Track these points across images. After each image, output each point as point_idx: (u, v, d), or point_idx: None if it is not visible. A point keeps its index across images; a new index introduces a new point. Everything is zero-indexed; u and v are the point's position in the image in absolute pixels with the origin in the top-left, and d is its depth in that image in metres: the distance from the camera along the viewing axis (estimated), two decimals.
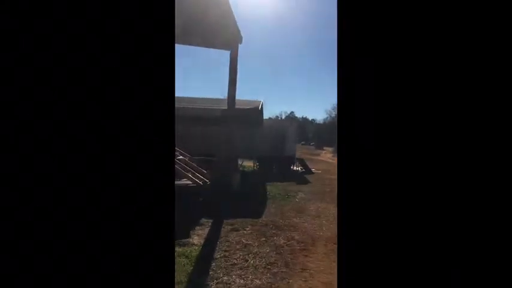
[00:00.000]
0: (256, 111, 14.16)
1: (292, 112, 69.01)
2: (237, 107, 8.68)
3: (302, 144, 48.29)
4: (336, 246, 4.29)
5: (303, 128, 62.63)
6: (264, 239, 4.56)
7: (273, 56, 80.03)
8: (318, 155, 33.81)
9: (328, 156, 31.69)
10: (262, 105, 13.34)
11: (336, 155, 31.56)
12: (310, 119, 70.54)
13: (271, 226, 5.23)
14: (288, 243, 4.46)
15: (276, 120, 16.95)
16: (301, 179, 12.12)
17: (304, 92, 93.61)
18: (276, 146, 14.46)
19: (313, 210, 6.66)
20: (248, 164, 15.97)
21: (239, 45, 7.98)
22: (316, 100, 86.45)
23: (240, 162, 15.31)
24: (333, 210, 6.68)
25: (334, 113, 52.57)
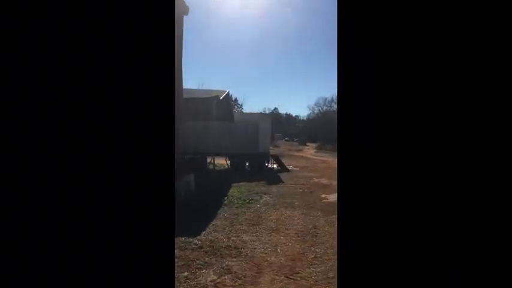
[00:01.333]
0: (209, 102, 12.36)
1: (275, 108, 67.76)
2: (192, 96, 7.22)
3: (286, 140, 47.43)
4: (288, 279, 2.94)
5: (286, 124, 61.77)
6: (185, 273, 3.12)
7: (258, 54, 78.37)
8: (301, 150, 32.71)
9: (310, 153, 30.56)
10: (228, 96, 11.76)
11: (317, 150, 31.78)
12: (293, 115, 69.55)
13: (206, 250, 3.80)
14: (218, 282, 3.03)
15: (247, 114, 15.47)
16: (273, 178, 10.74)
17: (288, 89, 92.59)
18: (248, 142, 13.04)
19: (273, 220, 5.26)
20: (221, 161, 14.53)
21: (184, 16, 6.47)
22: (299, 96, 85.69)
23: (209, 159, 13.89)
24: (298, 219, 5.31)
25: (317, 109, 52.14)
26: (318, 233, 4.57)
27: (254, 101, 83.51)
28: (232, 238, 4.26)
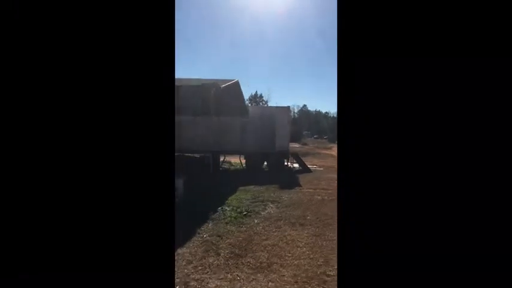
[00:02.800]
0: (204, 92, 10.23)
1: (304, 105, 65.41)
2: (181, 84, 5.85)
3: (315, 138, 45.29)
4: None
5: (315, 121, 59.24)
6: None
7: (286, 51, 76.07)
8: (329, 148, 30.59)
9: None
10: (238, 86, 10.22)
11: None
12: (323, 112, 66.62)
13: None
14: None
15: (263, 108, 13.82)
16: (290, 180, 9.12)
17: (317, 85, 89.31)
18: (263, 139, 11.49)
19: (268, 247, 3.66)
20: (236, 160, 13.14)
21: None
22: (330, 92, 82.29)
23: (222, 158, 12.54)
24: (304, 247, 3.66)
25: None
26: (329, 277, 2.93)
27: (282, 98, 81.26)
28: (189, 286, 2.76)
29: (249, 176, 9.71)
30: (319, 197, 6.70)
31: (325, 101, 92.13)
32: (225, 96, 9.04)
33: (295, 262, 3.25)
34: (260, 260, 3.28)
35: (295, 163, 12.41)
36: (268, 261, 3.26)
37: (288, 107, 12.03)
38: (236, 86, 10.03)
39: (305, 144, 35.55)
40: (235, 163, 13.08)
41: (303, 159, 15.55)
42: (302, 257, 3.37)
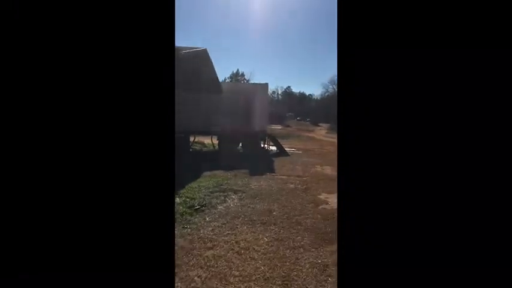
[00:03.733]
0: None
1: (288, 86, 64.10)
2: None
3: (298, 120, 44.63)
4: None
5: (299, 103, 58.37)
6: None
7: (271, 30, 73.22)
8: (312, 131, 29.98)
9: (321, 133, 27.75)
10: (206, 56, 8.92)
11: (328, 131, 29.02)
12: (307, 94, 65.63)
13: None
14: None
15: (240, 85, 12.61)
16: (263, 164, 8.17)
17: (301, 66, 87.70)
18: (239, 118, 10.43)
19: (207, 260, 2.67)
20: (207, 140, 12.06)
21: None
22: (313, 74, 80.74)
23: (192, 139, 11.41)
24: (259, 258, 2.71)
25: (331, 87, 48.40)
26: None
27: (264, 78, 79.42)
28: None
29: (221, 158, 8.69)
30: (291, 186, 5.78)
31: (309, 83, 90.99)
32: (189, 67, 7.78)
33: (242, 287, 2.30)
34: (191, 286, 2.31)
35: (272, 145, 11.48)
36: (203, 287, 2.29)
37: (267, 84, 10.91)
38: (204, 55, 8.73)
39: (288, 126, 34.81)
40: (208, 144, 12.02)
41: (284, 141, 14.68)
42: (254, 277, 2.42)
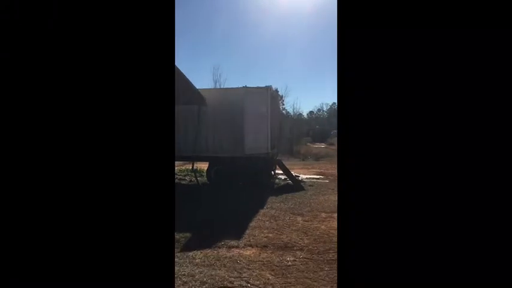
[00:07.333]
0: None
1: (334, 103, 59.52)
2: None
3: (334, 134, 39.72)
4: None
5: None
6: None
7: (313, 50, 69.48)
8: None
9: None
10: None
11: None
12: None
13: None
14: None
15: (228, 90, 9.14)
16: (245, 213, 4.77)
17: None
18: (227, 137, 7.25)
19: None
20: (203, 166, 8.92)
21: None
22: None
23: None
24: None
25: None
26: None
27: (308, 96, 74.64)
28: None
29: (197, 199, 5.52)
30: (297, 264, 2.36)
31: None
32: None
33: None
34: None
35: (282, 174, 7.95)
36: None
37: (267, 87, 7.45)
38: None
39: (331, 144, 30.84)
40: (201, 171, 8.91)
41: (315, 163, 11.02)
42: None
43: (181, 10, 32.64)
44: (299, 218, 4.47)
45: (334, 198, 5.81)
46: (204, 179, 8.17)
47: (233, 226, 4.07)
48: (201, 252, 3.13)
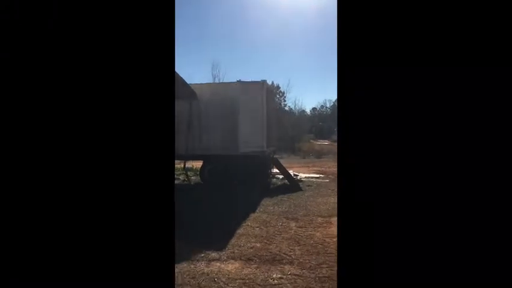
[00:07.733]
0: None
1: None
2: None
3: None
4: None
5: None
6: None
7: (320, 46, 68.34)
8: None
9: None
10: None
11: None
12: None
13: None
14: None
15: (221, 85, 8.80)
16: (245, 209, 4.37)
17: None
18: (220, 135, 6.84)
19: None
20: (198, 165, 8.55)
21: None
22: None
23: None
24: None
25: None
26: None
27: (305, 90, 73.47)
28: None
29: (188, 200, 5.15)
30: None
31: None
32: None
33: None
34: None
35: (279, 174, 7.53)
36: None
37: (263, 81, 6.99)
38: None
39: (335, 141, 30.14)
40: (196, 169, 8.54)
41: (316, 161, 10.61)
42: None
43: (182, 7, 32.11)
44: (292, 224, 4.05)
45: (333, 200, 5.39)
46: (198, 179, 7.79)
47: (218, 233, 3.67)
48: (175, 267, 2.74)
